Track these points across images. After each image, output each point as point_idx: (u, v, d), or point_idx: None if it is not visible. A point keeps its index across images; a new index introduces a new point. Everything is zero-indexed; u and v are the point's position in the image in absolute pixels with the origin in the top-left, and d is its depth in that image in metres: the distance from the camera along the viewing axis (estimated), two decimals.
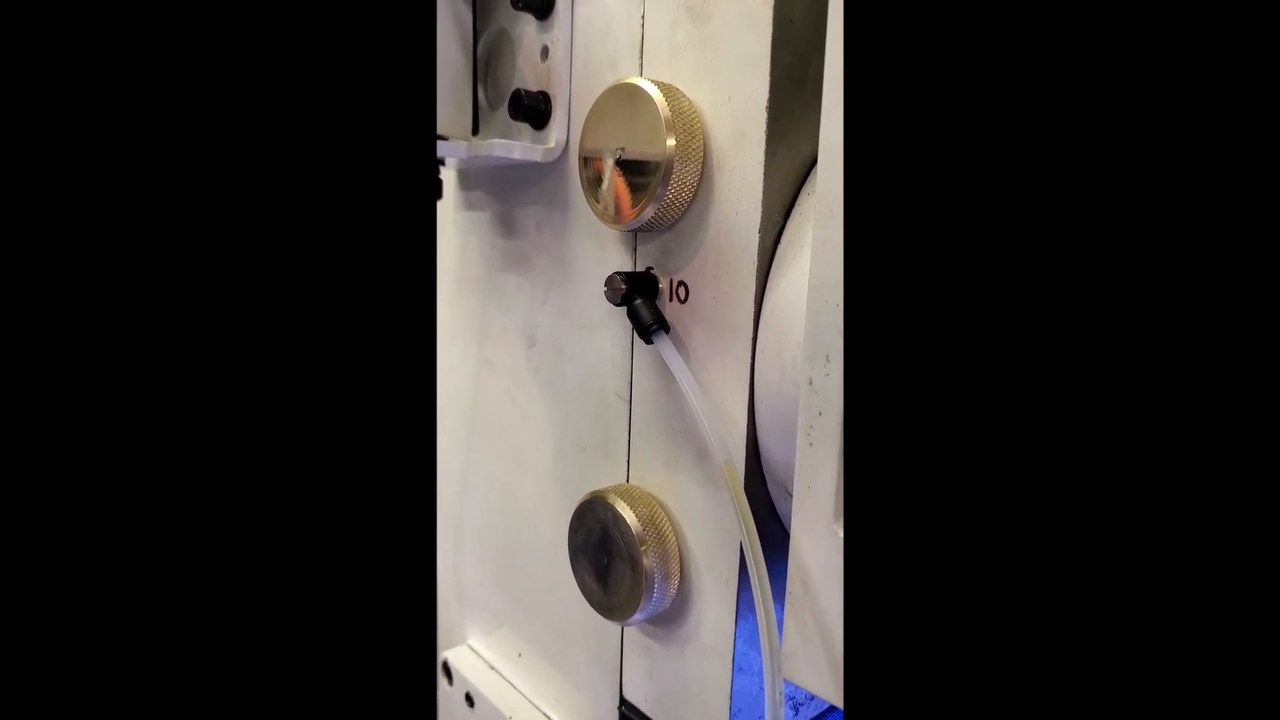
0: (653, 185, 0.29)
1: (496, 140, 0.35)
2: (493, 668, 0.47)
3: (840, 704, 0.26)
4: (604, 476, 0.37)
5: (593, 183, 0.32)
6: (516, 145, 0.35)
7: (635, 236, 0.33)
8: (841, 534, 0.25)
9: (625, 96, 0.30)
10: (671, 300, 0.32)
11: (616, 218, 0.31)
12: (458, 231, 0.45)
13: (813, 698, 0.36)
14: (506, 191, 0.41)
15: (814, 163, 0.29)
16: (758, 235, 0.28)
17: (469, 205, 0.44)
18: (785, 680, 0.27)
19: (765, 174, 0.27)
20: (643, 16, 0.32)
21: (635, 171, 0.30)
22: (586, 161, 0.32)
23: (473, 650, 0.49)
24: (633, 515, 0.32)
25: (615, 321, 0.35)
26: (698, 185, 0.30)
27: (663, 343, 0.30)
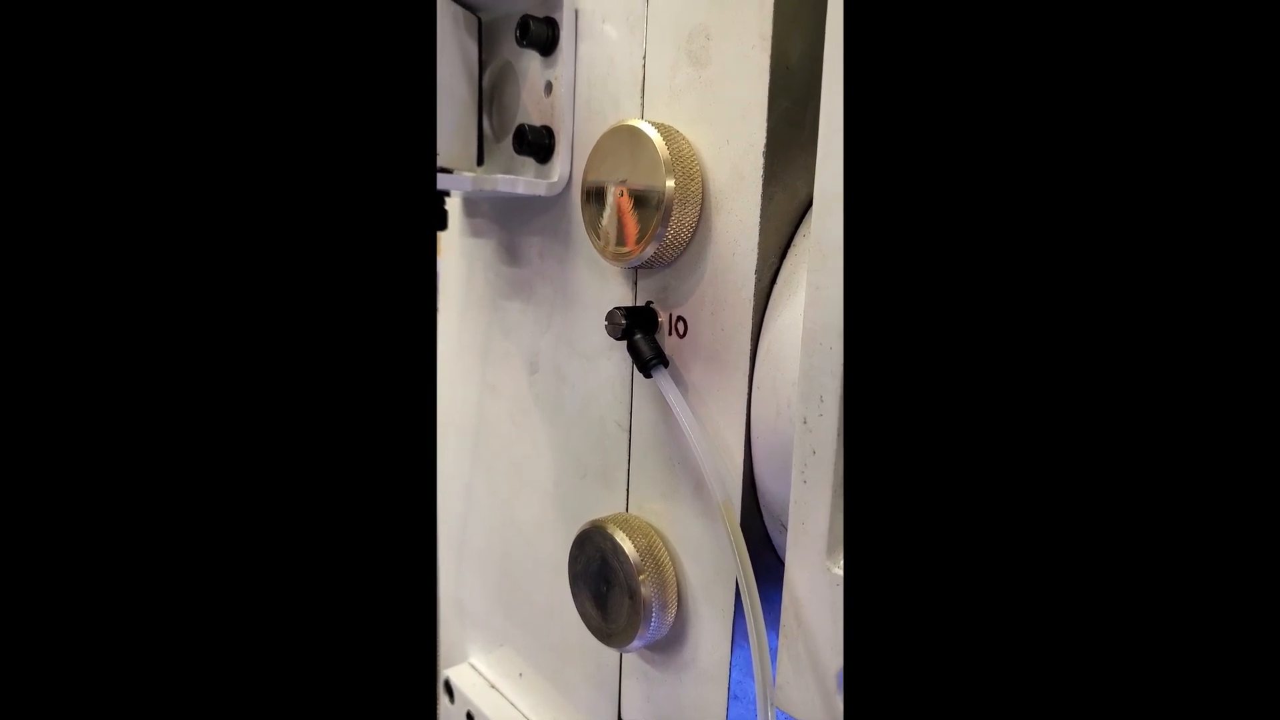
0: (652, 225, 0.30)
1: (501, 175, 0.35)
2: (494, 687, 0.48)
3: None
4: (603, 504, 0.37)
5: (594, 220, 0.32)
6: (520, 180, 0.36)
7: (636, 271, 0.34)
8: (834, 570, 0.25)
9: (626, 138, 0.30)
10: (671, 334, 0.32)
11: (617, 255, 0.31)
12: (462, 257, 0.46)
13: None
14: (510, 220, 0.41)
15: (810, 204, 0.30)
16: (754, 276, 0.29)
17: (473, 232, 0.44)
18: (778, 710, 0.28)
19: (762, 216, 0.28)
20: (644, 57, 0.32)
21: (635, 211, 0.30)
22: (588, 200, 0.33)
23: (474, 669, 0.49)
24: (631, 545, 0.33)
25: (616, 352, 0.36)
26: (696, 226, 0.30)
27: (661, 377, 0.31)
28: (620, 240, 0.31)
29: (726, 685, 0.32)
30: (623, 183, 0.31)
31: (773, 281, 0.29)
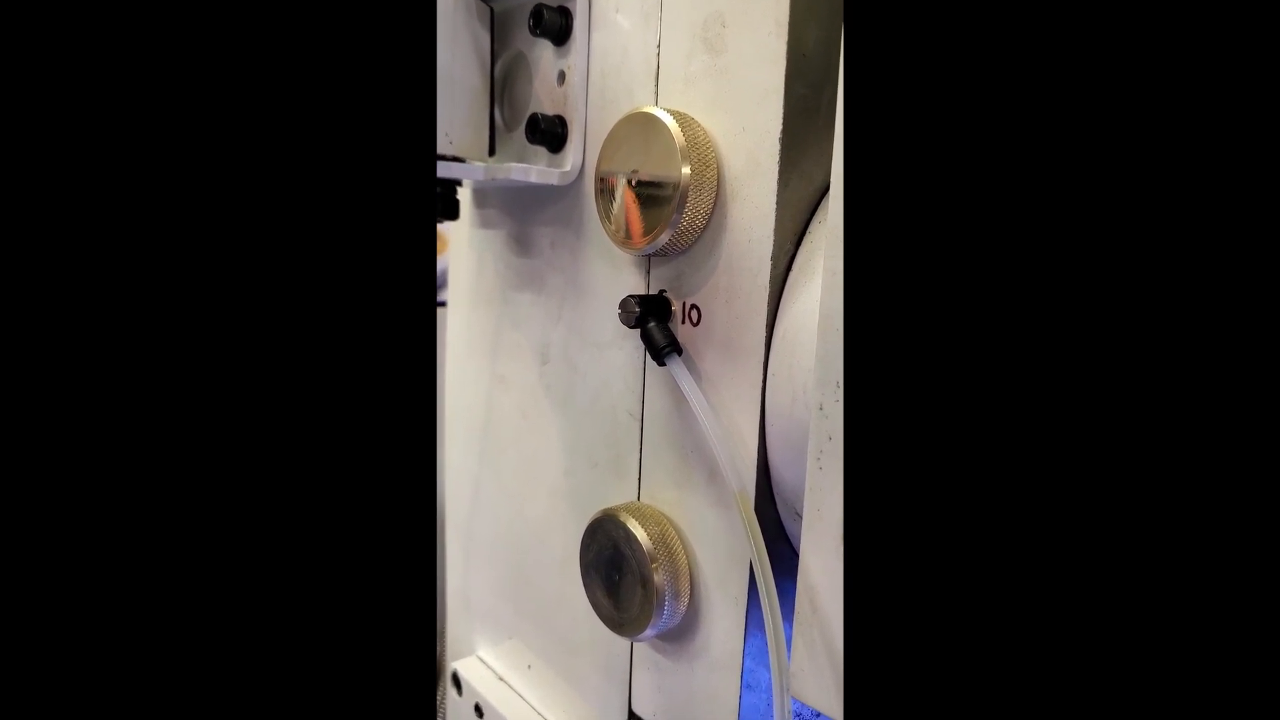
0: (667, 212, 0.30)
1: (514, 164, 0.35)
2: (502, 679, 0.47)
3: None
4: (615, 494, 0.37)
5: (608, 208, 0.32)
6: (533, 169, 0.36)
7: (649, 259, 0.34)
8: None
9: (641, 125, 0.30)
10: (684, 323, 0.32)
11: (631, 243, 0.31)
12: (472, 248, 0.46)
13: (819, 715, 0.37)
14: (521, 211, 0.41)
15: (826, 190, 0.30)
16: (769, 263, 0.28)
17: (484, 223, 0.44)
18: (793, 698, 0.28)
19: (778, 203, 0.28)
20: (658, 45, 0.32)
21: (650, 199, 0.30)
22: (602, 188, 0.33)
23: (482, 661, 0.49)
24: (644, 533, 0.33)
25: (628, 341, 0.36)
26: (711, 213, 0.30)
27: (675, 365, 0.31)
28: (634, 229, 0.31)
29: (739, 674, 0.32)
30: (637, 171, 0.31)
31: (788, 268, 0.29)
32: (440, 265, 0.63)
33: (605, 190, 0.33)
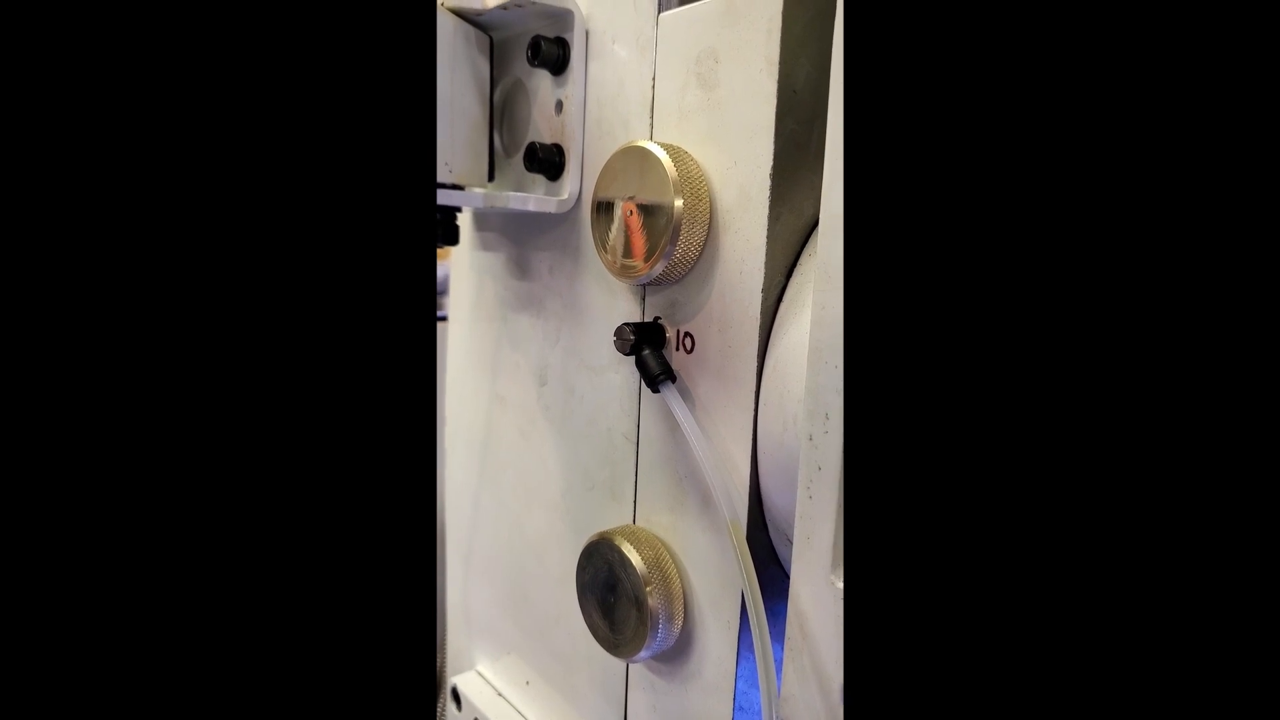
0: (661, 244, 0.30)
1: (512, 194, 0.36)
2: (501, 695, 0.48)
3: None
4: (611, 516, 0.38)
5: (604, 238, 0.33)
6: (531, 198, 0.36)
7: (644, 287, 0.34)
8: (839, 584, 0.26)
9: (636, 158, 0.31)
10: (678, 350, 0.33)
11: (626, 272, 0.32)
12: (473, 270, 0.47)
13: None
14: (520, 235, 0.42)
15: (816, 223, 0.30)
16: (760, 295, 0.29)
17: (484, 246, 0.45)
18: None
19: (769, 237, 0.29)
20: (653, 78, 0.33)
21: (644, 230, 0.31)
22: (598, 218, 0.33)
23: (481, 676, 0.50)
24: (639, 557, 0.33)
25: (624, 365, 0.36)
26: (704, 245, 0.31)
27: (669, 392, 0.32)
28: (629, 259, 0.32)
29: (732, 696, 0.33)
30: (631, 199, 0.32)
31: (779, 300, 0.30)
32: (441, 272, 0.63)
33: (601, 221, 0.33)
